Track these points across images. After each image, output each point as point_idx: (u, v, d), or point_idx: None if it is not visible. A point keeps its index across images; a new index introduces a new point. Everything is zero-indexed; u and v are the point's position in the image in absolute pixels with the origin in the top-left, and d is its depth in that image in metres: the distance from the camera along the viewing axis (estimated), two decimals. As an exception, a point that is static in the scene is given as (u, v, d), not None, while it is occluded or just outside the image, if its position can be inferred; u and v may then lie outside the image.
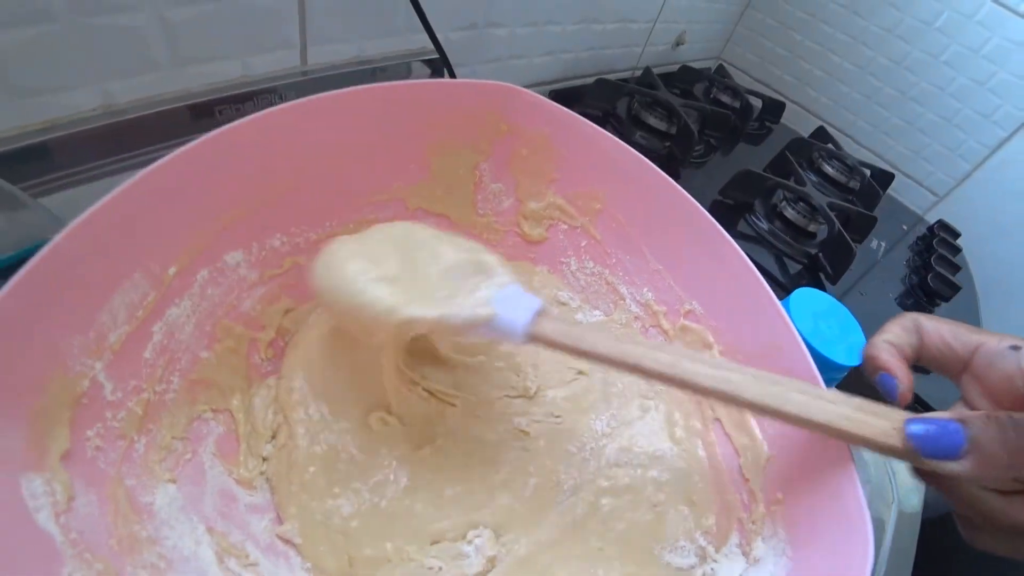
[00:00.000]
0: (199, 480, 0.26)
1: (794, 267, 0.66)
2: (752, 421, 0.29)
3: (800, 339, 0.27)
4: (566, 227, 0.39)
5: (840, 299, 0.65)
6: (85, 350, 0.23)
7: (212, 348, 0.28)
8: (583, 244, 0.39)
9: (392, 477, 0.28)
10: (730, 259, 0.31)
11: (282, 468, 0.27)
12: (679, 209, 0.33)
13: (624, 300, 0.37)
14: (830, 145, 0.88)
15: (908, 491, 0.44)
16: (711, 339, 0.32)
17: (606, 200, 0.37)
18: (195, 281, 0.28)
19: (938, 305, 0.73)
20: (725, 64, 1.05)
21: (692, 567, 0.27)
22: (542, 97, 0.36)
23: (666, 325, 0.35)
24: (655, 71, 0.80)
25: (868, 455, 0.44)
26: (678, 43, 0.89)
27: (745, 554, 0.26)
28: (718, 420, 0.31)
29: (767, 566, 0.25)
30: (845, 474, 0.23)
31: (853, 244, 0.62)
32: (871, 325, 0.67)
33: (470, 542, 0.27)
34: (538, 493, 0.29)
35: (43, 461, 0.20)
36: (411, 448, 0.29)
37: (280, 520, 0.26)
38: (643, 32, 0.82)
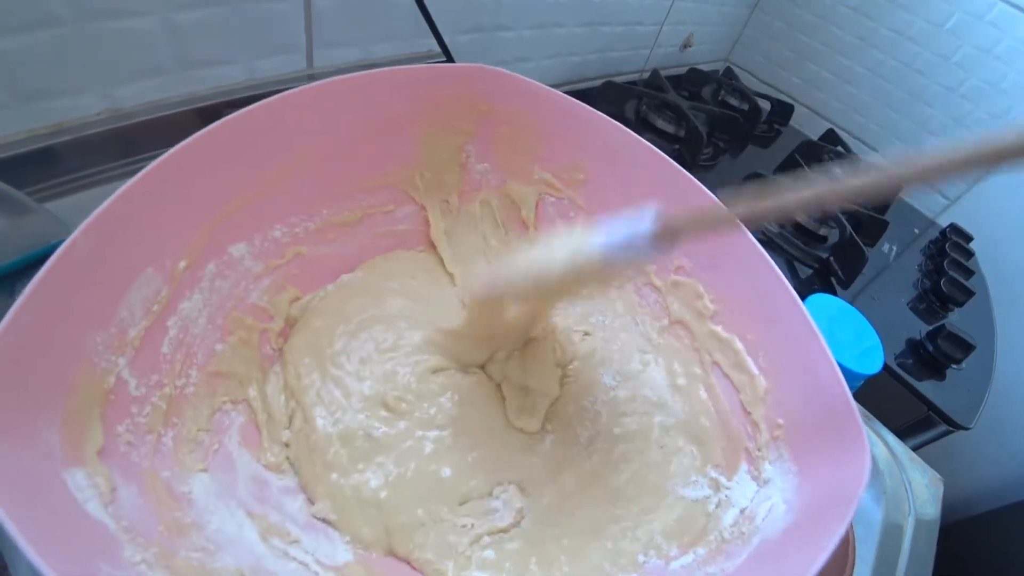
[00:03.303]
0: (230, 468, 0.27)
1: (805, 271, 0.66)
2: (748, 359, 0.31)
3: (784, 279, 0.29)
4: (554, 200, 0.40)
5: (851, 303, 0.64)
6: (108, 346, 0.23)
7: (225, 340, 0.29)
8: (572, 215, 0.39)
9: (414, 448, 0.29)
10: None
11: (303, 452, 0.28)
12: (655, 168, 0.35)
13: None
14: (840, 148, 0.88)
15: (924, 501, 0.43)
16: (702, 290, 0.34)
17: (588, 170, 0.38)
18: (204, 275, 0.28)
19: (951, 311, 0.72)
20: (733, 66, 1.04)
21: (707, 498, 0.29)
22: (517, 75, 0.37)
23: (657, 282, 0.36)
24: (663, 73, 0.79)
25: (883, 466, 0.43)
26: (686, 45, 0.89)
27: (755, 478, 0.28)
28: (716, 364, 0.33)
29: (776, 484, 0.27)
30: (838, 391, 0.25)
31: (865, 248, 0.62)
32: (883, 330, 0.66)
33: (497, 498, 0.29)
34: (556, 447, 0.31)
35: (81, 456, 0.21)
36: (429, 418, 0.30)
37: (311, 500, 0.27)
38: (650, 34, 0.81)
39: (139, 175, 0.25)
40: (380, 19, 0.49)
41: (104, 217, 0.23)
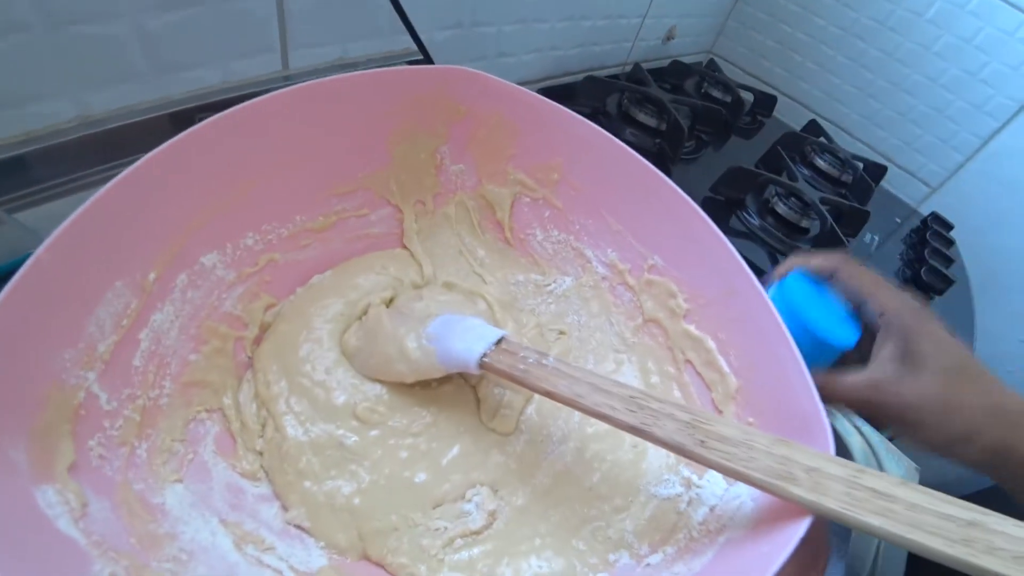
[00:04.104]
0: (205, 477, 0.27)
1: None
2: (720, 358, 0.31)
3: (755, 280, 0.30)
4: (529, 200, 0.40)
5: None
6: (77, 362, 0.23)
7: (199, 350, 0.29)
8: (547, 215, 0.40)
9: (388, 455, 0.29)
10: (678, 208, 0.33)
11: (275, 460, 0.28)
12: (628, 167, 0.35)
13: (591, 263, 0.38)
14: (822, 139, 0.88)
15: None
16: (674, 288, 0.34)
17: (563, 170, 0.38)
18: (175, 286, 0.28)
19: (932, 299, 0.73)
20: (716, 58, 1.04)
21: (679, 495, 0.29)
22: (494, 77, 0.37)
23: (631, 281, 0.36)
24: (645, 66, 0.79)
25: (860, 457, 0.44)
26: (668, 37, 0.88)
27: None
28: (689, 362, 0.33)
29: (744, 481, 0.27)
30: (806, 393, 0.26)
31: (845, 239, 0.62)
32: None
33: (470, 500, 0.29)
34: (529, 447, 0.31)
35: (51, 473, 0.21)
36: (403, 427, 0.30)
37: (285, 507, 0.28)
38: (632, 27, 0.81)
39: (105, 188, 0.24)
40: (355, 18, 0.49)
41: (69, 232, 0.23)
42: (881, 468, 0.45)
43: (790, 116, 1.02)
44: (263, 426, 0.29)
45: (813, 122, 0.93)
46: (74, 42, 0.35)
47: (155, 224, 0.27)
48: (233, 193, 0.30)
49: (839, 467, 0.21)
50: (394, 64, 0.53)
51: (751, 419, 0.29)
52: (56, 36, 0.34)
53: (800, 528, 0.21)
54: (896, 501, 0.20)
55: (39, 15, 0.32)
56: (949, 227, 0.89)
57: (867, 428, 0.47)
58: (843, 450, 0.46)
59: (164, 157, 0.26)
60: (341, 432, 0.29)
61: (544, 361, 0.26)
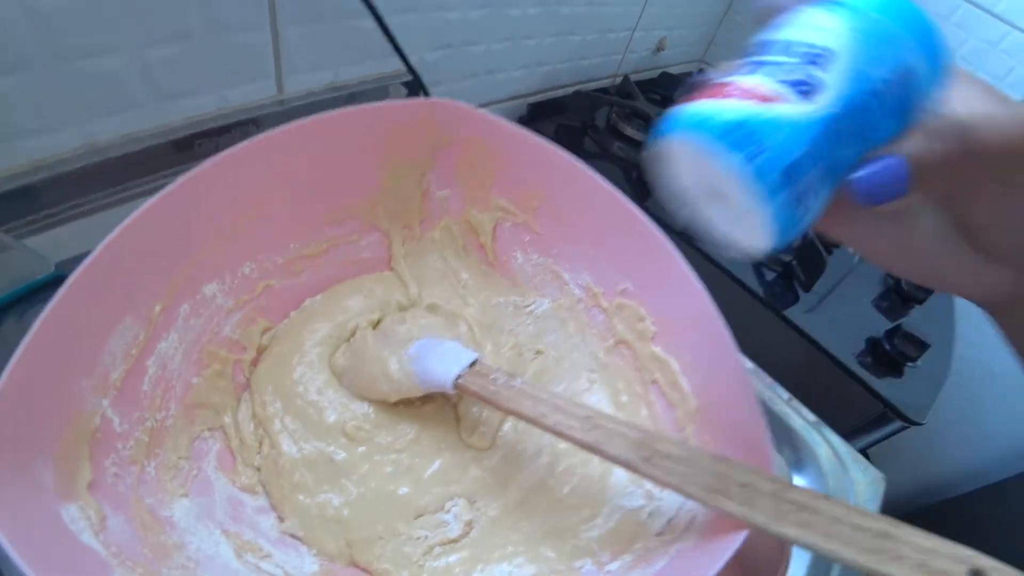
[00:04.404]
0: (208, 492, 0.29)
1: (770, 275, 0.68)
2: (683, 379, 0.33)
3: (713, 307, 0.31)
4: (510, 224, 0.42)
5: (816, 305, 0.67)
6: (93, 390, 0.26)
7: (201, 374, 0.32)
8: (527, 239, 0.42)
9: (374, 470, 0.32)
10: (649, 240, 0.35)
11: (272, 475, 0.31)
12: (604, 199, 0.37)
13: (568, 285, 0.41)
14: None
15: (866, 500, 0.46)
16: (643, 312, 0.36)
17: (544, 197, 0.40)
18: (178, 315, 0.31)
19: (912, 308, 0.75)
20: (707, 67, 1.06)
21: (642, 507, 0.32)
22: (477, 109, 0.39)
23: (604, 304, 0.39)
24: (635, 78, 0.81)
25: (827, 467, 0.47)
26: (659, 49, 0.90)
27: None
28: (655, 382, 0.36)
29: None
30: (753, 415, 0.28)
31: (824, 252, 0.64)
32: (847, 329, 0.69)
33: (448, 511, 0.32)
34: (504, 462, 0.34)
35: (74, 492, 0.24)
36: (388, 444, 0.33)
37: (281, 518, 0.30)
38: (622, 40, 0.82)
39: (116, 231, 0.27)
40: (347, 43, 0.51)
41: (86, 274, 0.25)
42: (848, 476, 0.48)
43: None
44: (260, 443, 0.32)
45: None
46: (78, 76, 0.37)
47: (162, 261, 0.29)
48: (232, 228, 0.33)
49: (769, 483, 0.23)
50: (386, 84, 0.55)
51: (708, 436, 0.31)
52: (59, 71, 0.35)
53: (737, 540, 0.23)
54: (818, 514, 0.22)
55: (44, 53, 0.34)
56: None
57: (836, 439, 0.50)
58: (812, 460, 0.49)
59: (170, 199, 0.28)
60: (331, 449, 0.31)
61: (512, 383, 0.29)
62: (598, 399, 0.37)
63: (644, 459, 0.24)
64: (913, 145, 0.16)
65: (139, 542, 0.24)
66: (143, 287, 0.28)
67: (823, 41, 0.16)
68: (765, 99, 0.16)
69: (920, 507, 1.09)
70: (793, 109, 0.16)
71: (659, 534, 0.29)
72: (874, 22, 0.16)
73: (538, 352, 0.39)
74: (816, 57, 0.16)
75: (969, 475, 1.03)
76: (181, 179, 0.29)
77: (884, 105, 0.16)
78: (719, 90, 0.16)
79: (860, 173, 0.17)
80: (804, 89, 0.16)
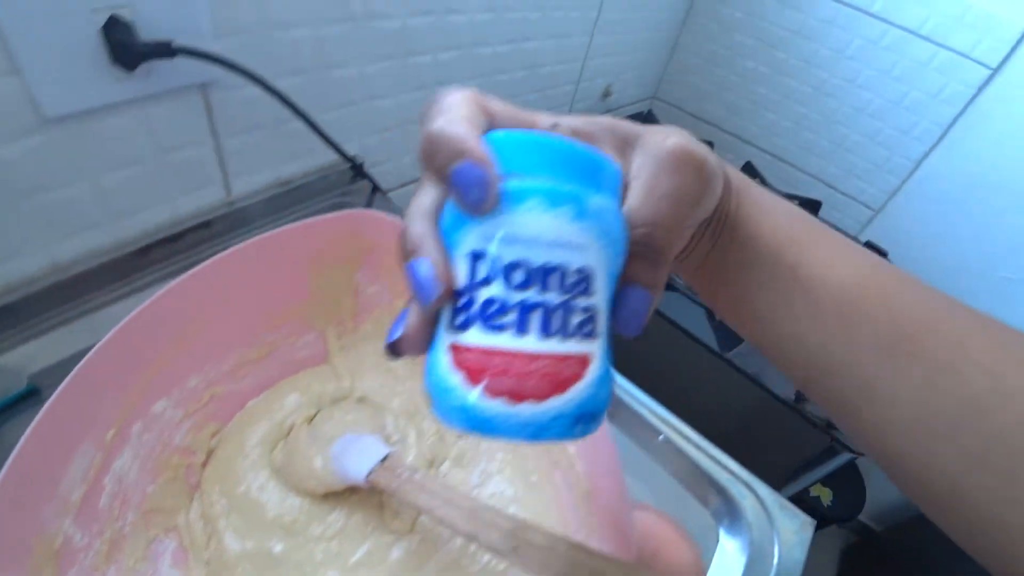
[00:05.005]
0: None
1: (714, 321, 0.71)
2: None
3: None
4: None
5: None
6: (55, 512, 0.29)
7: (156, 481, 0.36)
8: None
9: (306, 559, 0.36)
10: None
11: (219, 569, 0.34)
12: None
13: None
14: (757, 180, 0.93)
15: (792, 546, 0.48)
16: None
17: None
18: (131, 434, 0.35)
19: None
20: (659, 102, 1.10)
21: None
22: (384, 215, 0.43)
23: None
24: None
25: (751, 518, 0.50)
26: (606, 95, 0.94)
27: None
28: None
29: None
30: (621, 502, 0.31)
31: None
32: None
33: None
34: (423, 544, 0.38)
35: None
36: (319, 533, 0.37)
37: None
38: (567, 94, 0.87)
39: (77, 369, 0.30)
40: (286, 144, 0.55)
41: (47, 415, 0.29)
42: (774, 525, 0.51)
43: (726, 158, 1.09)
44: (208, 539, 0.36)
45: (748, 164, 0.99)
46: (40, 207, 0.41)
47: (115, 389, 0.33)
48: (178, 349, 0.36)
49: (622, 573, 0.27)
50: (328, 173, 0.60)
51: (595, 520, 0.35)
52: (25, 205, 0.40)
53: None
54: None
55: (9, 192, 0.38)
56: (883, 254, 0.94)
57: (764, 490, 0.53)
58: (736, 511, 0.52)
59: (123, 333, 0.32)
60: (271, 543, 0.36)
61: (414, 477, 0.33)
62: (512, 478, 0.41)
63: (512, 548, 0.28)
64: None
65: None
66: (99, 415, 0.32)
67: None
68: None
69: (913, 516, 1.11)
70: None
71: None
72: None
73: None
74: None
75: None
76: (131, 315, 0.33)
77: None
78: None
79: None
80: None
